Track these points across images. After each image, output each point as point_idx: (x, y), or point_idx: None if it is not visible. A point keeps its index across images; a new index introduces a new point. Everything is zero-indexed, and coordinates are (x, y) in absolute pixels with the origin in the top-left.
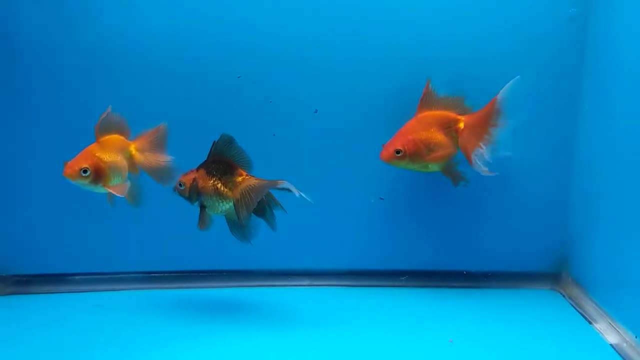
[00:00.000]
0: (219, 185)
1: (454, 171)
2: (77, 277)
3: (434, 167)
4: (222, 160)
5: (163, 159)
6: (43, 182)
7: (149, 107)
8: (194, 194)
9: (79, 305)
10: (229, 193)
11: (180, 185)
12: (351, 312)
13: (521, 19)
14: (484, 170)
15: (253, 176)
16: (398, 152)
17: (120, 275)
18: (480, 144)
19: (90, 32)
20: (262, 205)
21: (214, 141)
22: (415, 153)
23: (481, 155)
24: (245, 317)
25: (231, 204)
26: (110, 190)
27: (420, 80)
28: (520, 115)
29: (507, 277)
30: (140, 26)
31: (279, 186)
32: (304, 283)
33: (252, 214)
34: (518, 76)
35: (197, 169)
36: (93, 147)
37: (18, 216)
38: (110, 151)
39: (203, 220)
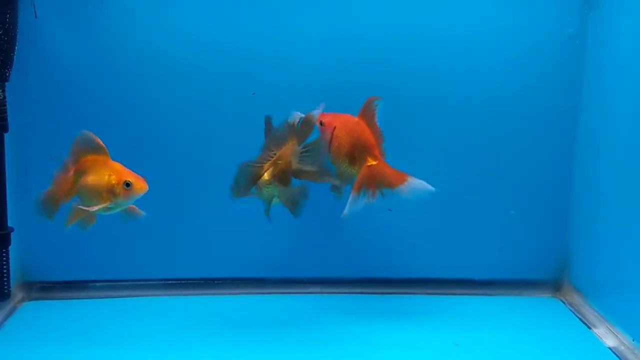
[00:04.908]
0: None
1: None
2: (97, 284)
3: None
4: None
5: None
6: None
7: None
8: None
9: (99, 310)
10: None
11: None
12: (361, 319)
13: (525, 36)
14: (346, 210)
15: None
16: (321, 123)
17: (138, 283)
18: (370, 191)
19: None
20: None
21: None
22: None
23: (357, 200)
24: (259, 324)
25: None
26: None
27: (429, 94)
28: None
29: (509, 285)
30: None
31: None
32: (315, 290)
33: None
34: (433, 189)
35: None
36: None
37: (43, 225)
38: None
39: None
